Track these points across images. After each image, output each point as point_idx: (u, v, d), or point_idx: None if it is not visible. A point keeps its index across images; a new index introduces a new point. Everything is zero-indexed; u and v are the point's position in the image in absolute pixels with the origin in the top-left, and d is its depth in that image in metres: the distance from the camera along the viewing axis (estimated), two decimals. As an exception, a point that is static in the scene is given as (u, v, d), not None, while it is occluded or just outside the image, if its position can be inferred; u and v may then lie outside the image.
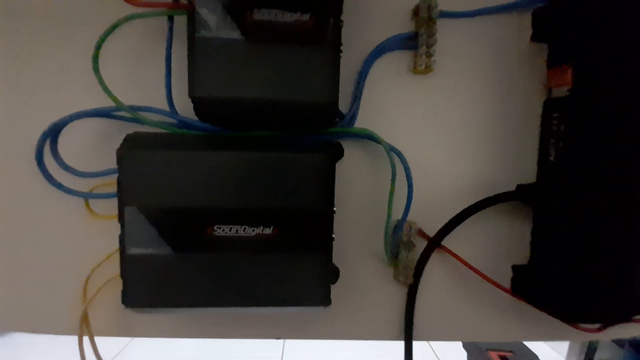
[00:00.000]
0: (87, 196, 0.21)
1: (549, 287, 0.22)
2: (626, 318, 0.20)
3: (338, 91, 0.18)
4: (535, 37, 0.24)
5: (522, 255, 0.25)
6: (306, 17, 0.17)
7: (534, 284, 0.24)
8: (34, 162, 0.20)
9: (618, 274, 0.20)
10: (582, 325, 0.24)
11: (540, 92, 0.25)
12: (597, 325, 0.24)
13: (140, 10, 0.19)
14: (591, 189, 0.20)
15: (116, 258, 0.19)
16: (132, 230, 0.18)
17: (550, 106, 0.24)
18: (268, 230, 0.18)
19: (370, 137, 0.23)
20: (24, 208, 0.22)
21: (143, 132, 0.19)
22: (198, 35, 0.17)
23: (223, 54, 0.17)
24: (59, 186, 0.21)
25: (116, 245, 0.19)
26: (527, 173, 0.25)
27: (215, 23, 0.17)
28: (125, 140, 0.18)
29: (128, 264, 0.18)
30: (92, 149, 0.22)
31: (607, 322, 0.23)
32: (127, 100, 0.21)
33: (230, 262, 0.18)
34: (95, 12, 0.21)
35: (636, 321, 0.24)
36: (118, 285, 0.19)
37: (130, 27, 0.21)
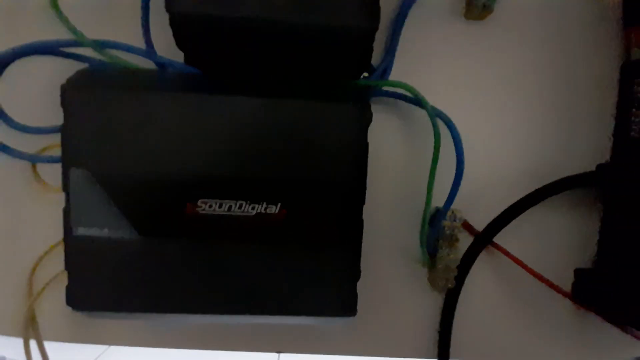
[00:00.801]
0: (34, 160, 0.16)
1: (620, 295, 0.17)
2: None
3: (378, 14, 0.12)
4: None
5: (586, 257, 0.20)
6: None
7: (601, 291, 0.19)
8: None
9: None
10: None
11: (620, 54, 0.20)
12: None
13: None
14: None
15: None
16: (80, 202, 0.12)
17: (630, 70, 0.18)
18: (273, 209, 0.13)
19: (409, 96, 0.17)
20: None
21: (100, 68, 0.14)
22: None
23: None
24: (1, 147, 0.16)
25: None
26: (603, 155, 0.19)
27: None
28: (73, 76, 0.13)
29: (75, 250, 0.13)
30: (43, 97, 0.17)
31: None
32: (91, 34, 0.16)
33: (219, 252, 0.13)
34: None
35: None
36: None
37: None
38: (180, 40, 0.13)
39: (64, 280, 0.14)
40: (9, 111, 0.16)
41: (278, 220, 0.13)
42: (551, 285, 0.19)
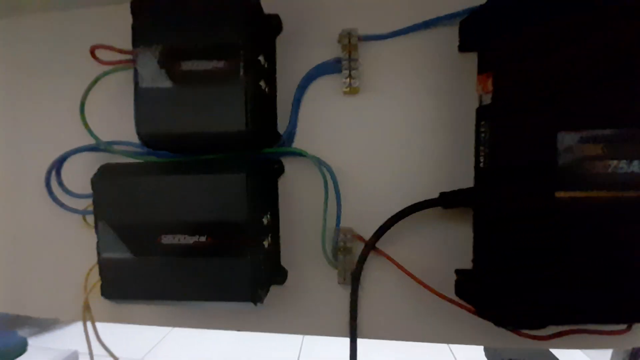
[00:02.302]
0: (83, 213, 0.28)
1: (484, 291, 0.23)
2: (542, 325, 0.20)
3: (248, 121, 0.21)
4: (462, 47, 0.25)
5: (469, 259, 0.26)
6: (221, 63, 0.21)
7: (474, 288, 0.25)
8: (41, 187, 0.26)
9: (547, 276, 0.21)
10: (524, 331, 0.24)
11: (475, 101, 0.26)
12: (547, 333, 0.24)
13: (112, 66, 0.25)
14: (513, 193, 0.21)
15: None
16: (104, 239, 0.23)
17: (480, 114, 0.24)
18: (203, 239, 0.22)
19: (299, 154, 0.26)
20: (36, 223, 0.29)
21: (112, 163, 0.25)
22: (140, 86, 0.21)
23: (159, 99, 0.21)
24: (62, 205, 0.27)
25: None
26: (461, 180, 0.25)
27: (152, 76, 0.21)
28: (97, 171, 0.24)
29: (103, 265, 0.23)
30: (85, 175, 0.28)
31: (535, 328, 0.23)
32: (109, 135, 0.27)
33: (175, 264, 0.22)
34: (78, 67, 0.27)
35: (579, 332, 0.23)
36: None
37: (106, 79, 0.26)
38: (146, 144, 0.23)
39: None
40: (68, 186, 0.28)
41: (206, 244, 0.22)
42: (419, 282, 0.25)
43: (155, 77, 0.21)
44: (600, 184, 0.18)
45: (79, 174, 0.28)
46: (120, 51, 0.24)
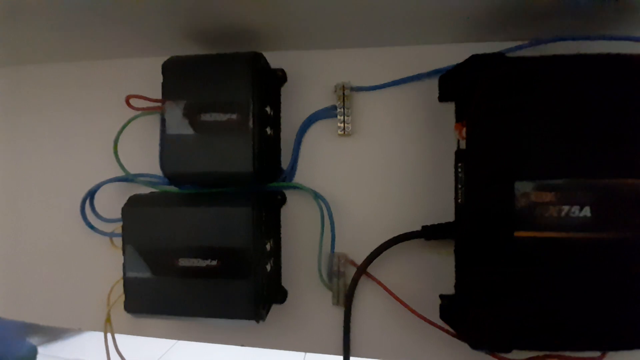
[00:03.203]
0: (110, 235, 0.32)
1: (462, 316, 0.25)
2: (508, 349, 0.23)
3: (254, 163, 0.25)
4: (441, 98, 0.29)
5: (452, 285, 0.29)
6: (234, 116, 0.25)
7: (454, 312, 0.27)
8: (76, 214, 0.30)
9: (511, 305, 0.23)
10: (500, 354, 0.26)
11: (453, 144, 0.29)
12: (523, 357, 0.26)
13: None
14: (481, 229, 0.24)
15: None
16: (130, 260, 0.27)
17: (458, 156, 0.28)
18: (214, 262, 0.26)
19: (298, 188, 0.29)
20: (71, 244, 0.33)
21: (140, 194, 0.29)
22: (166, 133, 0.26)
23: (182, 143, 0.26)
24: (94, 228, 0.31)
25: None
26: (444, 213, 0.29)
27: (176, 124, 0.26)
28: (128, 201, 0.28)
29: (127, 283, 0.27)
30: (114, 202, 0.32)
31: (503, 351, 0.24)
32: (136, 168, 0.31)
33: (189, 284, 0.26)
34: (109, 109, 0.32)
35: (563, 357, 0.26)
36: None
37: (136, 121, 0.31)
38: (170, 181, 0.27)
39: (122, 299, 0.28)
40: (99, 211, 0.32)
41: (216, 267, 0.25)
42: (406, 306, 0.28)
43: (179, 126, 0.26)
44: (555, 226, 0.21)
45: (108, 201, 0.32)
46: (151, 100, 0.29)
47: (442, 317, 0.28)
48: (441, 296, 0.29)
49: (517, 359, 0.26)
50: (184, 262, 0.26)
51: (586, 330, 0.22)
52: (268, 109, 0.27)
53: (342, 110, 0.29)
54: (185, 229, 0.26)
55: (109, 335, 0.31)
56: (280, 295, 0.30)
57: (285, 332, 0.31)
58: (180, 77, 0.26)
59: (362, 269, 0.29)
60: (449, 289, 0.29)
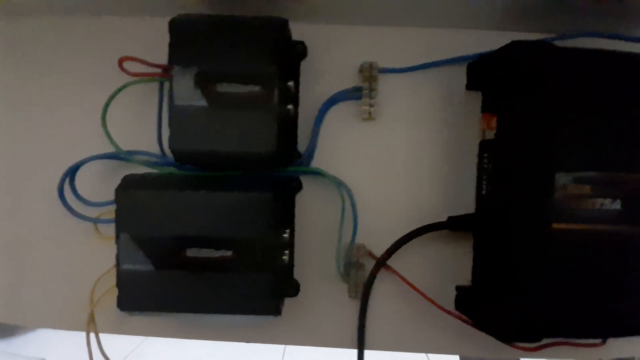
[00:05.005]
0: (95, 221, 0.27)
1: (483, 306, 0.25)
2: (537, 338, 0.23)
3: (276, 143, 0.22)
4: (469, 86, 0.28)
5: (468, 277, 0.29)
6: (256, 88, 0.22)
7: (473, 304, 0.27)
8: (54, 194, 0.26)
9: (541, 296, 0.23)
10: (517, 344, 0.27)
11: (478, 134, 0.28)
12: (535, 344, 0.27)
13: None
14: (511, 220, 0.23)
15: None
16: (124, 250, 0.23)
17: (483, 147, 0.27)
18: (228, 253, 0.23)
19: (319, 173, 0.27)
20: (46, 230, 0.28)
21: (136, 174, 0.25)
22: (175, 104, 0.22)
23: (193, 117, 0.22)
24: (75, 213, 0.26)
25: (116, 260, 0.24)
26: (468, 205, 0.28)
27: (188, 94, 0.22)
28: (121, 181, 0.24)
29: (121, 277, 0.23)
30: (99, 183, 0.28)
31: (532, 341, 0.25)
32: (127, 144, 0.27)
33: (198, 278, 0.23)
34: (101, 75, 0.27)
35: (578, 345, 0.26)
36: (117, 293, 0.24)
37: (128, 87, 0.26)
38: (177, 158, 0.24)
39: (111, 295, 0.24)
40: (82, 194, 0.27)
41: (231, 259, 0.23)
42: (428, 298, 0.27)
43: (190, 96, 0.22)
44: (589, 218, 0.21)
45: (92, 182, 0.28)
46: (151, 64, 0.25)
47: (457, 308, 0.28)
48: (458, 287, 0.29)
49: (530, 346, 0.26)
50: (193, 252, 0.23)
51: (614, 318, 0.23)
52: (291, 83, 0.25)
53: (368, 92, 0.27)
54: (193, 215, 0.23)
55: (92, 336, 0.27)
56: (292, 288, 0.28)
57: (297, 327, 0.29)
58: (192, 39, 0.22)
59: (383, 261, 0.28)
60: (460, 281, 0.28)
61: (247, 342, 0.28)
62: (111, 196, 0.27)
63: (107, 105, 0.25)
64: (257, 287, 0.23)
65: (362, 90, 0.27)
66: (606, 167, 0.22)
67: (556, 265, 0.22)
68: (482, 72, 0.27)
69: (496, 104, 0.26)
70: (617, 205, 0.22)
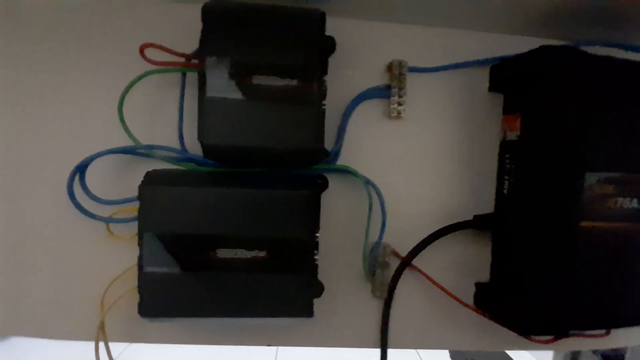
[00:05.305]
0: (108, 221, 0.25)
1: (504, 302, 0.26)
2: (565, 332, 0.24)
3: (322, 138, 0.22)
4: (492, 88, 0.29)
5: (486, 274, 0.29)
6: (294, 82, 0.21)
7: (492, 300, 0.28)
8: (63, 191, 0.23)
9: (563, 292, 0.24)
10: (533, 337, 0.28)
11: (498, 134, 0.29)
12: (548, 337, 0.28)
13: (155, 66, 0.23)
14: (536, 218, 0.24)
15: (131, 273, 0.23)
16: (148, 252, 0.21)
17: (504, 148, 0.28)
18: (262, 254, 0.22)
19: (348, 172, 0.27)
20: (56, 229, 0.26)
21: (160, 169, 0.23)
22: (208, 95, 0.21)
23: (227, 110, 0.21)
24: (85, 212, 0.24)
25: (131, 262, 0.23)
26: (486, 204, 0.29)
27: (221, 86, 0.21)
28: (145, 177, 0.22)
29: (144, 280, 0.21)
30: (113, 179, 0.26)
31: (552, 334, 0.26)
32: (145, 138, 0.25)
33: (230, 280, 0.22)
34: (117, 65, 0.25)
35: (585, 335, 0.28)
36: (132, 298, 0.22)
37: (149, 78, 0.25)
38: (207, 153, 0.22)
39: (125, 300, 0.22)
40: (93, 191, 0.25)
41: (264, 259, 0.22)
42: (452, 296, 0.28)
43: (224, 87, 0.21)
44: (612, 216, 0.22)
45: (104, 179, 0.26)
46: (175, 53, 0.23)
47: (476, 303, 0.29)
48: (477, 284, 0.29)
49: (545, 339, 0.27)
50: (224, 253, 0.21)
51: (621, 310, 0.24)
52: (326, 79, 0.24)
53: (397, 90, 0.27)
54: (224, 214, 0.21)
55: (101, 345, 0.25)
56: (318, 288, 0.28)
57: (323, 328, 0.28)
58: (226, 27, 0.21)
59: (409, 260, 0.28)
60: (484, 278, 0.29)
61: (273, 345, 0.27)
62: (125, 194, 0.25)
63: (123, 95, 0.23)
64: (290, 289, 0.22)
65: (391, 89, 0.27)
66: (627, 168, 0.23)
67: (581, 261, 0.23)
68: (506, 74, 0.28)
69: (521, 105, 0.26)
70: (634, 204, 0.23)
